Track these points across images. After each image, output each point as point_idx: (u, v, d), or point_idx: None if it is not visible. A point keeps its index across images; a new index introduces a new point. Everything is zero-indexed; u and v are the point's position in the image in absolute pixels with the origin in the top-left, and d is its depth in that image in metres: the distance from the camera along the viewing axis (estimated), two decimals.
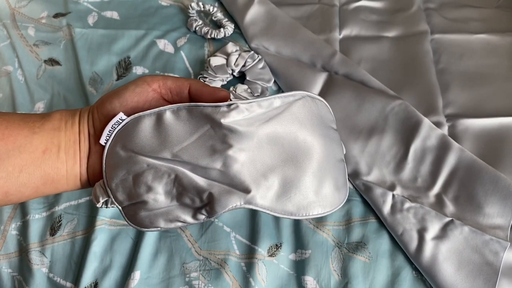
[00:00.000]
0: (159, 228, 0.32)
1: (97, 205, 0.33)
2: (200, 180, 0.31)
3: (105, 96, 0.34)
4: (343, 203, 0.37)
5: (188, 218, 0.32)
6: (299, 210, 0.33)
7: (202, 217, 0.32)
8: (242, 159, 0.31)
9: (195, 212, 0.32)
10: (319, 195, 0.34)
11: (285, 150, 0.33)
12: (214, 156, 0.31)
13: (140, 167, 0.32)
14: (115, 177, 0.32)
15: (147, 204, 0.32)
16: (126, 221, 0.33)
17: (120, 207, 0.33)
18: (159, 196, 0.32)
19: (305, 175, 0.33)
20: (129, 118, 0.33)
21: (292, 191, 0.33)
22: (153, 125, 0.32)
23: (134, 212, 0.32)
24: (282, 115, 0.33)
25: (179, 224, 0.32)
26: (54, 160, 0.32)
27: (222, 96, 0.34)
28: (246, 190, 0.31)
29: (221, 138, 0.31)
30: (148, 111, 0.33)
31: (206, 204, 0.31)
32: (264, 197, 0.32)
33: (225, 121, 0.31)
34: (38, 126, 0.32)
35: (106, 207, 0.33)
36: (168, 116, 0.32)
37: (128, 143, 0.32)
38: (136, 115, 0.32)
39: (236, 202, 0.31)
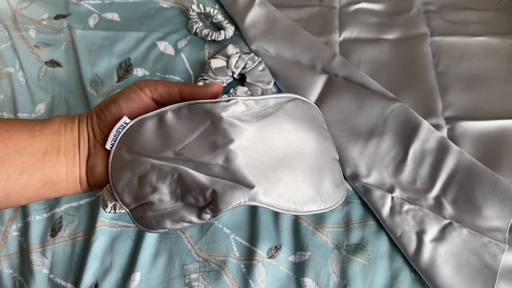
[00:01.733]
0: (166, 229, 0.32)
1: (106, 210, 0.33)
2: (202, 178, 0.31)
3: (102, 102, 0.35)
4: (343, 199, 0.37)
5: (194, 218, 0.32)
6: (302, 205, 0.33)
7: (207, 216, 0.32)
8: (244, 154, 0.31)
9: (200, 211, 0.32)
10: (320, 191, 0.34)
11: (283, 147, 0.33)
12: (215, 151, 0.31)
13: (144, 168, 0.32)
14: (121, 180, 0.32)
15: (153, 204, 0.32)
16: (135, 223, 0.33)
17: (127, 210, 0.33)
18: (164, 196, 0.32)
19: (304, 171, 0.33)
20: (132, 122, 0.33)
21: (293, 187, 0.33)
22: (156, 126, 0.33)
23: (142, 214, 0.33)
24: (277, 113, 0.34)
25: (186, 224, 0.32)
26: (54, 162, 0.32)
27: (215, 90, 0.35)
28: (250, 185, 0.31)
29: (222, 133, 0.31)
30: (150, 113, 0.33)
31: (210, 203, 0.31)
32: (266, 194, 0.32)
33: (225, 114, 0.32)
34: (39, 129, 0.33)
35: (115, 212, 0.33)
36: (170, 116, 0.33)
37: (132, 146, 0.33)
38: (139, 117, 0.33)
39: (240, 198, 0.31)
